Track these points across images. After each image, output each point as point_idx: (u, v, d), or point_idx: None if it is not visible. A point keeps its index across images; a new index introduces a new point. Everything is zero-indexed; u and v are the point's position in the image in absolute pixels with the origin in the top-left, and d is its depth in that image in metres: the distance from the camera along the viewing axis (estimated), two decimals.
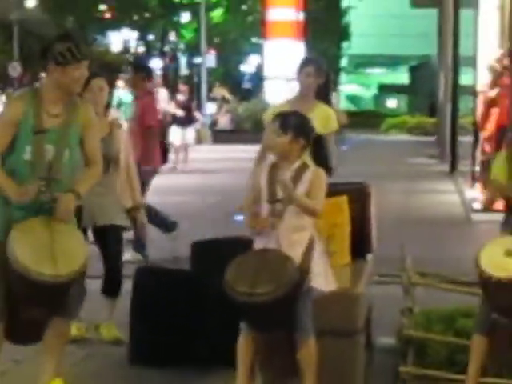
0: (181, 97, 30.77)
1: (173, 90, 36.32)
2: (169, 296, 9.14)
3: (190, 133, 27.79)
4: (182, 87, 33.32)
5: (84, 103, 8.26)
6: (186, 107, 28.55)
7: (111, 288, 10.11)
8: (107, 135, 10.22)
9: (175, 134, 28.65)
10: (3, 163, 7.63)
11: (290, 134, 7.94)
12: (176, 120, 28.58)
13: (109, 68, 77.48)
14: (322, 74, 11.11)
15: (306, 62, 11.15)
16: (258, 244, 8.03)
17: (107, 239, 10.21)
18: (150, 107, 14.54)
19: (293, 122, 8.10)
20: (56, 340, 7.87)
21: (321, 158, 8.23)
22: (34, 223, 7.63)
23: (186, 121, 27.38)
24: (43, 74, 7.98)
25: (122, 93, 25.09)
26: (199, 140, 36.99)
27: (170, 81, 70.63)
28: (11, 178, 7.59)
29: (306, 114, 9.88)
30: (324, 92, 11.45)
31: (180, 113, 31.27)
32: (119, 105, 22.09)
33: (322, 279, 7.99)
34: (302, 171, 7.98)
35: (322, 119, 10.54)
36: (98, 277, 10.28)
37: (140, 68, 14.70)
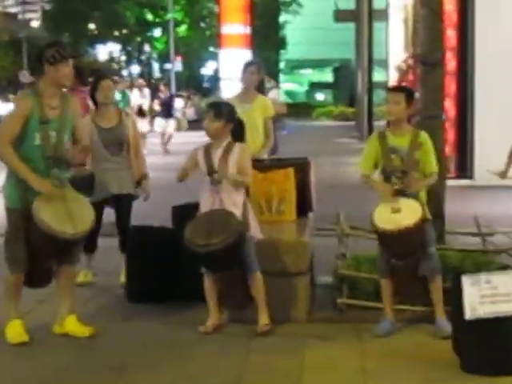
0: (162, 95, 31.11)
1: (153, 90, 36.52)
2: (156, 248, 9.28)
3: (172, 123, 27.81)
4: (163, 87, 33.70)
5: (72, 97, 8.68)
6: (167, 103, 28.73)
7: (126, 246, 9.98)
8: (118, 123, 10.19)
9: (159, 124, 29.07)
10: (15, 150, 7.77)
11: (223, 120, 8.23)
12: (159, 113, 28.82)
13: (94, 70, 78.71)
14: (261, 73, 11.35)
15: (249, 63, 11.41)
16: (204, 207, 8.33)
17: (123, 205, 10.22)
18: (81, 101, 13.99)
19: (225, 110, 8.38)
20: (67, 281, 8.29)
21: (239, 136, 8.34)
22: (51, 194, 7.81)
23: (167, 114, 27.49)
24: None
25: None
26: (178, 128, 37.40)
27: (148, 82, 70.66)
28: (25, 162, 7.79)
29: (250, 103, 10.15)
30: (261, 86, 11.66)
31: (157, 108, 31.63)
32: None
33: (255, 230, 8.29)
34: (231, 147, 8.28)
35: (262, 107, 10.76)
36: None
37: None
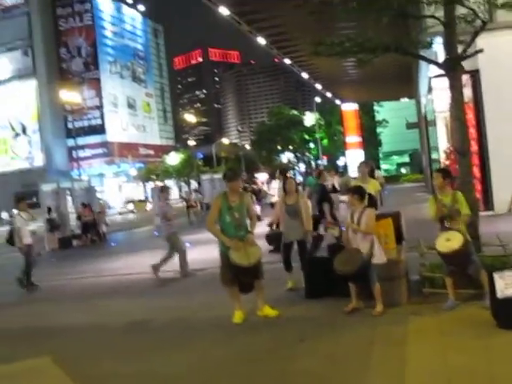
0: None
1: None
2: (321, 267, 8.87)
3: None
4: (365, 167, 31.28)
5: (246, 193, 9.07)
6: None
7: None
8: (296, 202, 10.02)
9: None
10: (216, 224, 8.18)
11: (358, 196, 8.27)
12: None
13: (283, 169, 79.41)
14: (369, 165, 11.09)
15: (364, 162, 11.08)
16: (347, 245, 8.15)
17: (301, 245, 9.96)
18: None
19: (359, 191, 8.40)
20: (259, 287, 8.32)
21: (372, 205, 8.19)
22: (237, 244, 8.04)
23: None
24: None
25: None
26: None
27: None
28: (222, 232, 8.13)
29: (366, 184, 9.86)
30: (371, 173, 11.39)
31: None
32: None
33: (379, 259, 7.96)
34: (364, 210, 8.14)
35: (373, 186, 10.37)
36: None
37: None
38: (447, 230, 7.67)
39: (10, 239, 14.46)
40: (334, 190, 19.95)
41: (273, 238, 9.80)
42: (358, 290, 8.07)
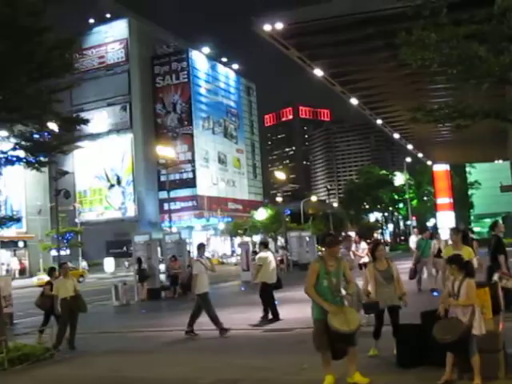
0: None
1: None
2: (409, 334, 8.69)
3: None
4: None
5: (342, 259, 8.68)
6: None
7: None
8: (387, 267, 9.84)
9: None
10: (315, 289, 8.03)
11: (457, 266, 7.96)
12: None
13: (369, 227, 79.54)
14: (459, 232, 11.16)
15: (454, 229, 11.00)
16: (449, 315, 7.88)
17: (394, 311, 9.64)
18: None
19: (458, 260, 8.14)
20: (352, 353, 8.11)
21: (470, 275, 7.94)
22: (336, 309, 7.91)
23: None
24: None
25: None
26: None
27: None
28: (320, 295, 8.00)
29: (459, 251, 9.72)
30: (464, 239, 11.49)
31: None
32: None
33: (478, 330, 7.72)
34: (463, 280, 7.85)
35: (467, 253, 10.25)
36: None
37: None
38: None
39: (189, 285, 14.46)
40: (439, 254, 18.39)
41: (370, 306, 9.62)
42: (455, 360, 7.79)
